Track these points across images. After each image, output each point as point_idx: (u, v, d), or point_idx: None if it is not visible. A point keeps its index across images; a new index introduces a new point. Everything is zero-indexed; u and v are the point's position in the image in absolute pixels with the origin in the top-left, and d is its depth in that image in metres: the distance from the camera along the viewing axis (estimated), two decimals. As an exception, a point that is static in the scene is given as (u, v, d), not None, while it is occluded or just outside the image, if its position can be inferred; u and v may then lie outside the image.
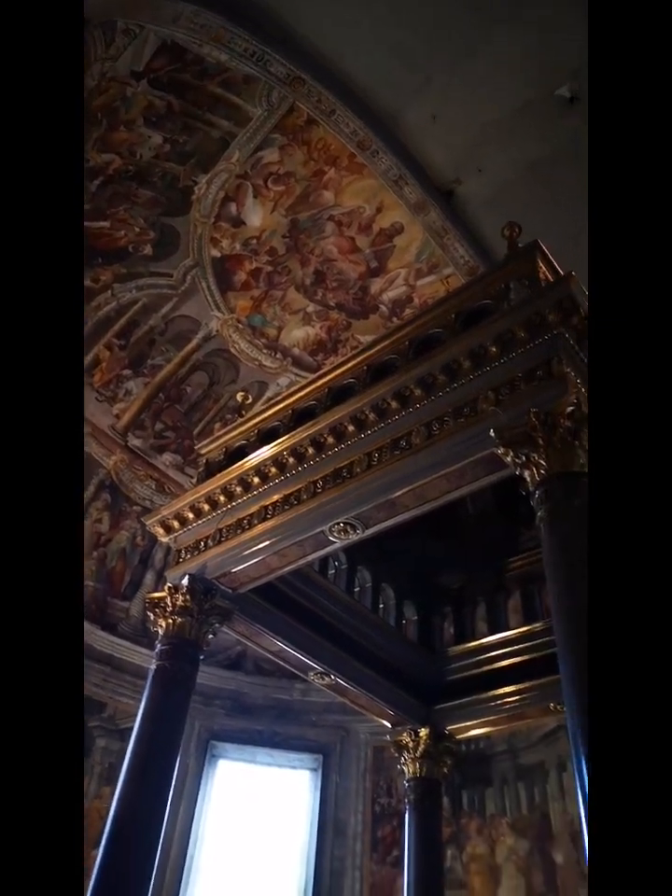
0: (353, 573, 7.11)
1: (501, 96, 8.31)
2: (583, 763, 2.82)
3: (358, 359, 5.06)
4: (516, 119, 8.45)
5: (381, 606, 7.33)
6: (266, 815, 9.00)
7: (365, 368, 4.94)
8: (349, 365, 5.14)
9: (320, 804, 9.03)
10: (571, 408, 3.60)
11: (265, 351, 10.60)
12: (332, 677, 6.30)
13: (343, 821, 8.85)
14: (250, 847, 8.75)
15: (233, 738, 9.41)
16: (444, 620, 7.72)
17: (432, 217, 9.18)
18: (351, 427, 4.66)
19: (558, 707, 6.17)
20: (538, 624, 6.63)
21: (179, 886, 8.18)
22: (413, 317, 5.38)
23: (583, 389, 3.81)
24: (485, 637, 7.11)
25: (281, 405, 5.59)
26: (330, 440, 4.76)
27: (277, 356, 10.65)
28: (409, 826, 6.49)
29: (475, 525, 7.90)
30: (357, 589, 7.13)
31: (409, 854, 6.31)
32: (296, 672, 6.58)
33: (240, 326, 10.47)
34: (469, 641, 7.22)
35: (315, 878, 8.37)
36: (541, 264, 4.26)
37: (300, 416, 5.20)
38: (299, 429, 4.96)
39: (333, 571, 6.88)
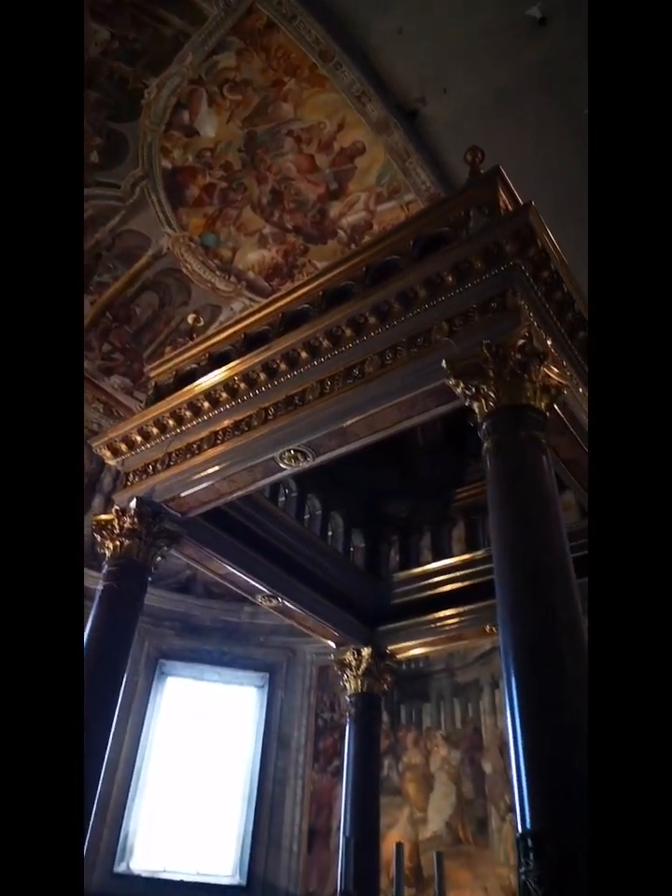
0: (303, 500, 7.19)
1: (470, 13, 7.92)
2: (513, 680, 2.99)
3: (314, 284, 4.96)
4: (484, 40, 8.09)
5: (330, 533, 7.47)
6: (213, 729, 9.35)
7: (320, 293, 4.84)
8: (304, 290, 5.03)
9: (266, 718, 9.42)
10: (522, 341, 3.62)
11: (219, 273, 10.25)
12: (280, 600, 6.45)
13: (288, 735, 9.28)
14: (198, 758, 9.11)
15: (182, 657, 9.63)
16: (391, 547, 7.94)
17: (395, 138, 8.85)
18: (304, 354, 4.60)
19: (493, 628, 6.51)
20: (479, 552, 6.89)
21: (127, 797, 8.51)
22: (371, 242, 5.25)
23: (535, 323, 3.84)
24: (429, 564, 7.37)
25: (233, 329, 5.46)
26: (283, 366, 4.70)
27: (231, 279, 10.31)
28: (349, 738, 6.85)
29: (424, 457, 8.04)
30: (307, 516, 7.23)
31: (348, 763, 6.68)
32: (244, 595, 6.71)
33: (192, 245, 10.05)
34: (414, 568, 7.47)
35: (258, 786, 8.83)
36: (502, 192, 4.19)
37: (252, 341, 5.10)
38: (251, 354, 4.87)
39: (283, 498, 6.94)
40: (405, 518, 8.01)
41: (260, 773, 8.99)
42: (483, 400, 3.65)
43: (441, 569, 7.20)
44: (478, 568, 6.73)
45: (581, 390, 4.22)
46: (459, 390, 3.79)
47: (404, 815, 8.30)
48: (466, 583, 6.87)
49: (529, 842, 2.55)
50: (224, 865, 8.39)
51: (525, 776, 2.73)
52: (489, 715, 8.46)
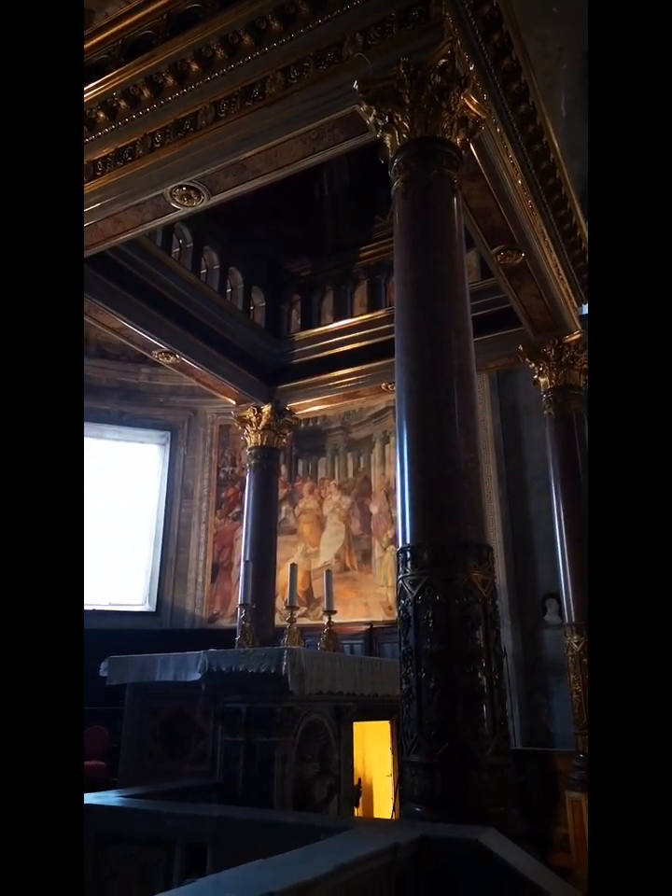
0: (200, 253, 6.74)
1: None
2: (405, 424, 3.14)
3: (205, -26, 4.09)
4: None
5: (229, 290, 7.17)
6: (119, 482, 9.68)
7: (213, -12, 4.02)
8: (193, -18, 4.16)
9: (169, 472, 9.81)
10: (443, 61, 3.23)
11: (87, -38, 8.29)
12: (178, 356, 6.32)
13: (191, 486, 9.79)
14: (105, 508, 9.52)
15: (79, 417, 9.56)
16: (292, 307, 7.80)
17: None
18: (195, 66, 3.95)
19: (389, 386, 6.79)
20: (380, 312, 6.91)
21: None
22: None
23: (459, 41, 3.41)
24: (330, 324, 7.35)
25: (109, 32, 4.53)
26: (170, 80, 4.04)
27: (103, -28, 8.40)
28: (249, 484, 7.30)
29: (329, 212, 7.60)
30: (203, 271, 6.84)
31: (249, 506, 7.21)
32: (141, 351, 6.51)
33: None
34: (315, 328, 7.45)
35: (165, 530, 9.48)
36: None
37: (132, 48, 4.28)
38: (130, 64, 4.13)
39: (178, 249, 6.47)
40: (307, 277, 7.77)
41: (166, 519, 9.59)
42: (396, 132, 3.34)
43: (342, 330, 7.22)
44: (378, 329, 6.79)
45: (499, 130, 3.94)
46: (371, 119, 3.42)
47: (299, 550, 9.27)
48: (365, 343, 6.96)
49: (408, 554, 2.89)
50: (135, 596, 9.25)
51: (409, 506, 3.00)
52: (379, 466, 9.19)
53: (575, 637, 5.28)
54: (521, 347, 5.96)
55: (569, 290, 5.71)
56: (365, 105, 3.38)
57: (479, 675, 2.67)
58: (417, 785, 2.63)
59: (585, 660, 5.19)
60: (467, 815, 2.49)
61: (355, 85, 3.38)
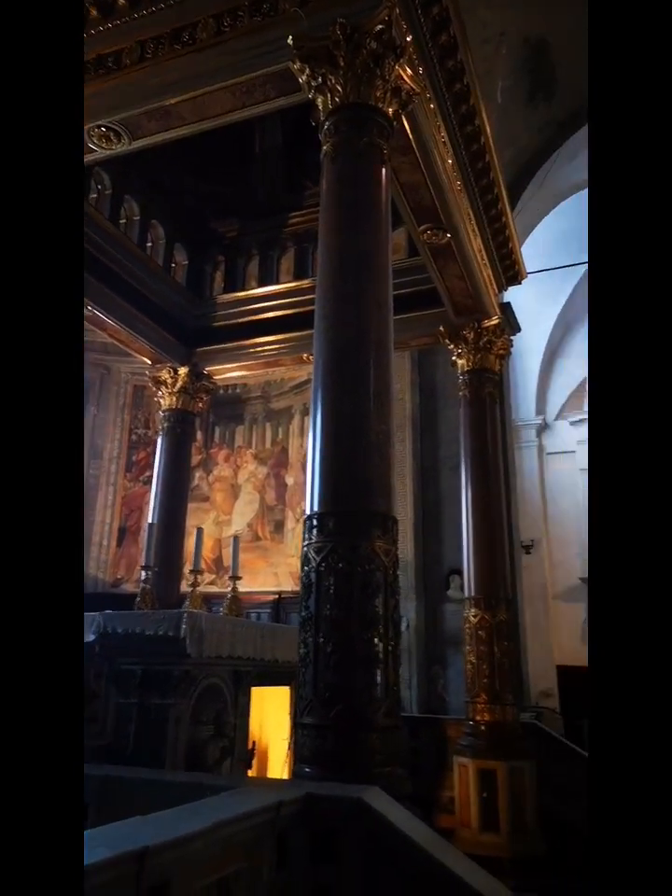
0: (119, 202, 6.42)
1: None
2: (320, 392, 3.15)
3: None
4: None
5: (149, 244, 6.89)
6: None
7: None
8: None
9: (78, 431, 9.46)
10: (380, 27, 3.18)
11: None
12: (89, 308, 6.03)
13: (100, 446, 9.46)
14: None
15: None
16: (215, 268, 7.59)
17: None
18: (122, 1, 3.72)
19: (310, 357, 6.74)
20: (306, 281, 6.82)
21: None
22: None
23: (398, 9, 3.36)
24: (255, 289, 7.21)
25: (28, -51, 4.20)
26: (94, 13, 3.78)
27: None
28: (161, 450, 7.13)
29: (260, 173, 7.41)
30: (123, 221, 6.53)
31: (159, 469, 7.04)
32: (50, 301, 6.16)
33: None
34: (239, 292, 7.28)
35: (70, 491, 9.15)
36: None
37: (54, -29, 3.99)
38: (52, -12, 3.84)
39: (96, 195, 6.14)
40: (233, 238, 7.57)
41: (72, 479, 9.26)
42: (329, 95, 3.27)
43: (266, 296, 7.09)
44: (303, 298, 6.71)
45: (432, 106, 3.94)
46: (304, 78, 3.34)
47: (211, 517, 9.17)
48: (289, 312, 6.87)
49: (314, 521, 2.91)
50: (35, 557, 8.93)
51: (319, 474, 3.01)
52: (297, 437, 9.18)
53: (472, 611, 5.50)
54: (442, 328, 6.06)
55: (491, 276, 5.83)
56: (299, 63, 3.30)
57: (376, 641, 2.74)
58: (308, 746, 2.68)
59: (480, 632, 5.42)
60: (356, 775, 2.56)
61: (289, 40, 3.28)
